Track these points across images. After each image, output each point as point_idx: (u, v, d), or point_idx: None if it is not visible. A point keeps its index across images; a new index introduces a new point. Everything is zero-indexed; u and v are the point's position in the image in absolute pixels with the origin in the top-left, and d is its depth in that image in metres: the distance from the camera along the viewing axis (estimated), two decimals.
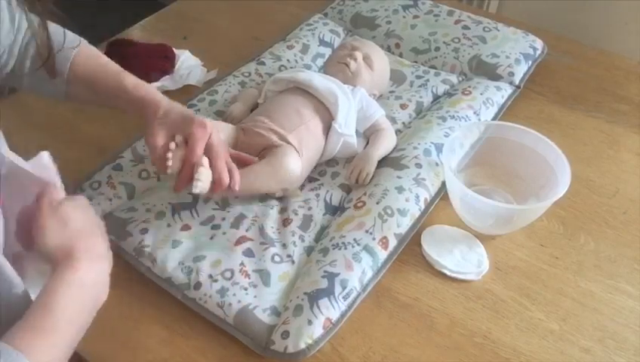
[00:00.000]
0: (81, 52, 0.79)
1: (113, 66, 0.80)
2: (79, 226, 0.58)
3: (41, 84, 0.78)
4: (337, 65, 1.03)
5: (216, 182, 0.75)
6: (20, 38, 0.75)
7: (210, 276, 0.78)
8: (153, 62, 1.13)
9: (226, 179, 0.75)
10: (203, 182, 0.74)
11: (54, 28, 0.74)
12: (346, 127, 0.93)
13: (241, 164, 0.82)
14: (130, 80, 0.79)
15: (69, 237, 0.56)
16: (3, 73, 0.75)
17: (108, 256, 0.61)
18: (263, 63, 1.15)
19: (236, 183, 0.76)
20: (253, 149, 0.88)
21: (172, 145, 0.75)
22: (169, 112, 0.76)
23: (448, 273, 0.82)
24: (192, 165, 0.74)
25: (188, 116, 0.76)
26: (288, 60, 1.16)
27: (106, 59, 0.81)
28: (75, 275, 0.54)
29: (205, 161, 0.75)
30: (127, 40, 1.18)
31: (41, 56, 0.71)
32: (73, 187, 0.90)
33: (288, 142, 0.87)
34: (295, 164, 0.85)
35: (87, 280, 0.55)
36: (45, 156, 0.61)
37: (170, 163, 0.74)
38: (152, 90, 0.79)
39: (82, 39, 0.80)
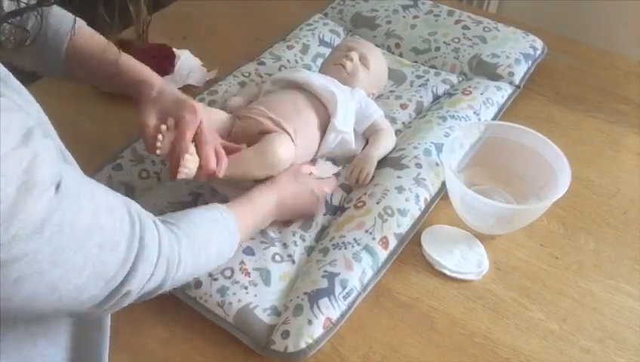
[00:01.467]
0: (78, 32, 0.78)
1: (110, 47, 0.80)
2: (302, 191, 0.84)
3: (38, 63, 0.78)
4: (334, 66, 1.02)
5: (202, 168, 0.77)
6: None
7: (210, 275, 0.78)
8: (153, 62, 1.12)
9: (212, 166, 0.78)
10: (189, 169, 0.76)
11: (55, 9, 0.75)
12: (345, 124, 0.93)
13: (229, 152, 0.83)
14: (127, 60, 0.81)
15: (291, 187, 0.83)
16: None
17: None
18: (263, 63, 1.15)
19: (222, 170, 0.79)
20: (247, 134, 0.88)
21: (163, 127, 0.77)
22: (162, 93, 0.80)
23: (448, 273, 0.82)
24: (181, 149, 0.77)
25: (180, 99, 0.79)
26: (288, 60, 1.16)
27: (101, 38, 0.80)
28: (277, 201, 0.81)
29: (192, 148, 0.76)
30: (127, 40, 1.18)
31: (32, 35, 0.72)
32: None
33: (283, 128, 0.87)
34: (285, 149, 0.83)
35: (270, 210, 0.81)
36: None
37: (159, 144, 0.77)
38: (147, 71, 0.81)
39: (78, 19, 0.77)
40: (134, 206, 0.55)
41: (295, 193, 0.83)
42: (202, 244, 0.65)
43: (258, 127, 0.87)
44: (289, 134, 0.87)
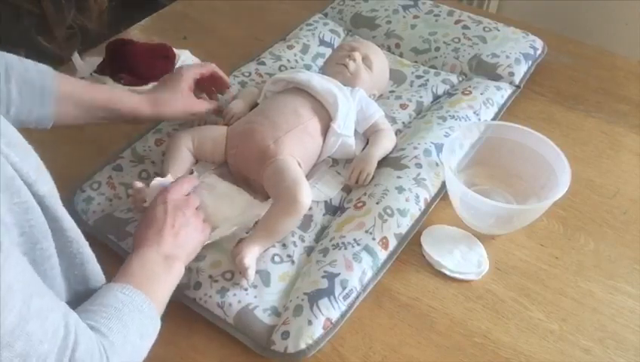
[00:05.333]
0: (59, 74, 0.79)
1: (94, 81, 0.83)
2: (182, 240, 0.74)
3: (31, 109, 0.75)
4: (336, 66, 1.02)
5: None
6: None
7: (211, 276, 0.78)
8: (153, 62, 1.13)
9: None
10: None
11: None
12: (345, 127, 0.93)
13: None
14: (118, 90, 0.84)
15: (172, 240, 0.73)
16: None
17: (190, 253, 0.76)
18: (263, 63, 1.15)
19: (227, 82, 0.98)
20: (246, 154, 0.88)
21: (135, 185, 0.83)
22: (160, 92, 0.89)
23: (448, 273, 0.82)
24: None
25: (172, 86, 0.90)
26: (288, 60, 1.16)
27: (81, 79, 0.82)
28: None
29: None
30: (127, 40, 1.18)
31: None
32: (73, 187, 0.90)
33: (282, 146, 0.87)
34: (308, 195, 0.82)
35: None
36: None
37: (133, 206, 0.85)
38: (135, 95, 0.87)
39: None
40: (72, 315, 0.51)
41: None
42: (131, 345, 0.59)
43: (258, 147, 0.87)
44: (291, 155, 0.87)
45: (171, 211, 0.74)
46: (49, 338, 0.46)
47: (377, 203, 0.86)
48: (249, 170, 0.88)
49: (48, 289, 0.49)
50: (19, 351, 0.43)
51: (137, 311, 0.61)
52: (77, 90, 0.80)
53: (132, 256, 0.70)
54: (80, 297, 0.61)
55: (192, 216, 0.76)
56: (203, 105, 0.93)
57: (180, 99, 0.89)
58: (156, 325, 0.64)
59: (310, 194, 0.82)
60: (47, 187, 0.51)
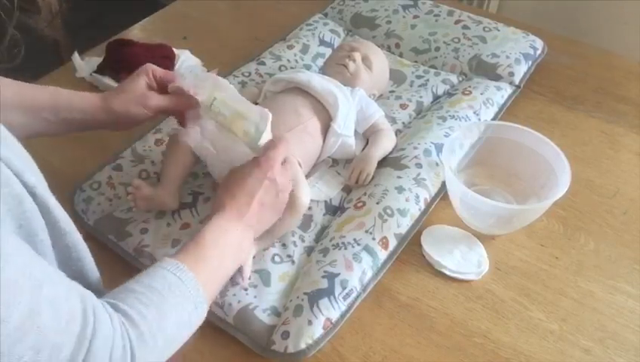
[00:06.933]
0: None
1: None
2: (264, 205, 0.72)
3: None
4: (336, 66, 1.02)
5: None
6: None
7: None
8: (153, 62, 1.12)
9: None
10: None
11: None
12: (345, 127, 0.93)
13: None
14: (63, 90, 0.76)
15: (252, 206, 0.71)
16: None
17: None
18: (263, 63, 1.15)
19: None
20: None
21: (135, 182, 0.83)
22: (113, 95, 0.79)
23: (448, 273, 0.82)
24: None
25: (126, 83, 0.80)
26: (288, 60, 1.16)
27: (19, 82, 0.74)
28: (237, 231, 0.70)
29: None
30: (127, 40, 1.18)
31: None
32: (73, 187, 0.90)
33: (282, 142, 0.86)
34: (307, 195, 0.82)
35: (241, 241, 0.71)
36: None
37: (132, 204, 0.84)
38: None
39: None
40: (91, 300, 0.49)
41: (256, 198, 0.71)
42: (164, 336, 0.55)
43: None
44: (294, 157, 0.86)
45: (266, 186, 0.72)
46: (63, 328, 0.44)
47: (377, 203, 0.86)
48: None
49: (61, 274, 0.47)
50: (31, 344, 0.41)
51: (183, 296, 0.57)
52: (16, 93, 0.72)
53: (211, 221, 0.67)
54: None
55: (281, 192, 0.74)
56: (158, 101, 0.81)
57: (132, 92, 0.79)
58: (200, 313, 0.61)
59: (309, 193, 0.82)
60: (36, 177, 0.49)
